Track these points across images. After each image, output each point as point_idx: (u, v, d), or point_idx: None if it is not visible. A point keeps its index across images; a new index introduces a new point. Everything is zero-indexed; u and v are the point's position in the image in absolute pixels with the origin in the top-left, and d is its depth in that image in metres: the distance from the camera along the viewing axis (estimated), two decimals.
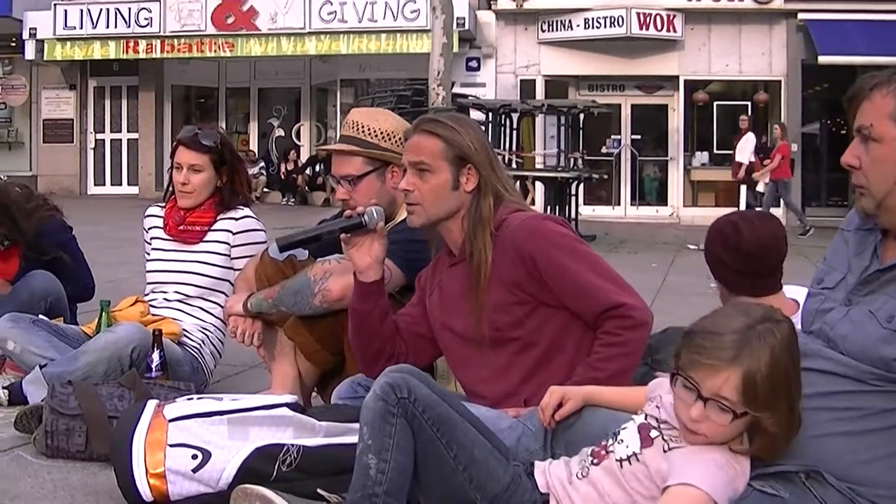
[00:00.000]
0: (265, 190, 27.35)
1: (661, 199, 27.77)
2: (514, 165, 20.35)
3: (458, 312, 3.78)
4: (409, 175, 3.80)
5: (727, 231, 4.18)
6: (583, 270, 3.63)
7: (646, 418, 2.93)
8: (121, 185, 29.71)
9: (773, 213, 4.25)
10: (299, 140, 30.00)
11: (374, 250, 3.80)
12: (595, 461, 2.93)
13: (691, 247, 16.86)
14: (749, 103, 27.46)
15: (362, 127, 4.67)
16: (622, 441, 2.92)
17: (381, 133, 4.64)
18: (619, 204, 27.39)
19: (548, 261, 3.61)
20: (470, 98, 20.29)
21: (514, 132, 21.33)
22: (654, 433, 2.83)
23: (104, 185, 29.86)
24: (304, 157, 29.06)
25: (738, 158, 23.02)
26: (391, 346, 3.92)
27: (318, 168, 27.97)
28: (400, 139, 4.62)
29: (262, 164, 28.38)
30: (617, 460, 2.87)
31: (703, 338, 2.74)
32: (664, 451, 2.78)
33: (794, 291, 4.17)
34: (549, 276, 3.61)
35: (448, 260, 3.90)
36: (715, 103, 27.62)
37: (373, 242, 3.80)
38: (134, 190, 28.88)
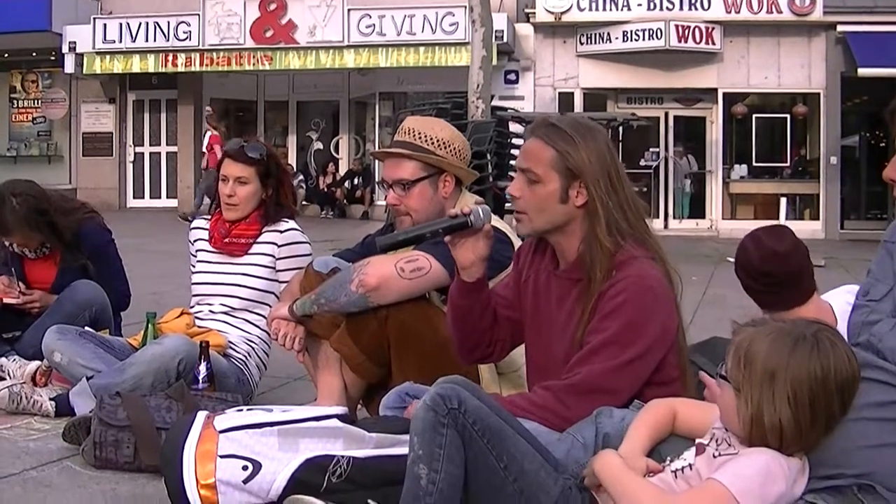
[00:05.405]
0: (304, 203, 27.34)
1: (700, 212, 27.64)
2: None
3: (549, 322, 3.72)
4: (518, 181, 3.67)
5: (738, 254, 4.14)
6: (608, 336, 3.48)
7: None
8: (160, 198, 29.80)
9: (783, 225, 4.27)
10: (338, 153, 30.00)
11: (479, 249, 3.71)
12: (651, 475, 2.92)
13: (731, 259, 16.74)
14: (788, 116, 27.37)
15: (418, 133, 4.65)
16: (682, 457, 2.91)
17: (437, 141, 4.63)
18: (657, 217, 27.25)
19: (608, 315, 3.50)
20: (509, 111, 20.24)
21: None
22: (709, 445, 2.83)
23: (143, 198, 29.95)
24: (342, 170, 29.12)
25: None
26: (489, 335, 3.90)
27: (356, 181, 28.07)
28: (455, 148, 4.63)
29: (301, 177, 28.36)
30: (672, 471, 2.87)
31: None
32: (713, 458, 2.79)
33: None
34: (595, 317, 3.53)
35: (552, 263, 3.79)
36: (754, 116, 27.49)
37: (477, 241, 3.70)
38: (173, 203, 28.87)
